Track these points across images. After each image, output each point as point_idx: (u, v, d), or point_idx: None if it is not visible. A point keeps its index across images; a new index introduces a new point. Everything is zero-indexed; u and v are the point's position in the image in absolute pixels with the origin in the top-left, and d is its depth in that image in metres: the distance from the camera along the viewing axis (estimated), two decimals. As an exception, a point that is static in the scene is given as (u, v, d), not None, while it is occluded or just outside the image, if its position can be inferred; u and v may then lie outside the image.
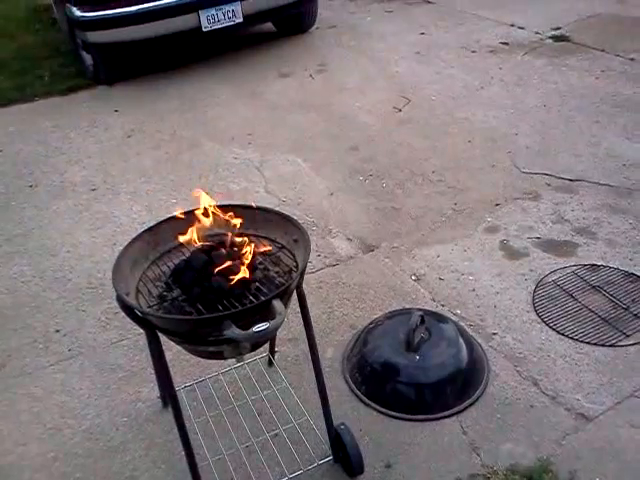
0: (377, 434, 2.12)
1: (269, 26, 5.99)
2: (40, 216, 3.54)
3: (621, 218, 3.06)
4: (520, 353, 2.38)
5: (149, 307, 1.73)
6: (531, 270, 2.79)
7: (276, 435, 2.11)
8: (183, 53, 5.60)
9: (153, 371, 2.22)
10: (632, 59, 4.72)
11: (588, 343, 2.38)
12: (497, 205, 3.26)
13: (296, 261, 1.84)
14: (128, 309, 1.70)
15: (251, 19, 5.16)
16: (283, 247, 1.91)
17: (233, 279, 1.71)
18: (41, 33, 6.69)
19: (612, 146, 3.67)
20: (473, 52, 5.18)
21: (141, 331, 1.79)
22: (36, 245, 3.29)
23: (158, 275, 1.86)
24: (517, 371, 2.30)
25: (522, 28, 5.55)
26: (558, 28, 5.42)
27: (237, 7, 4.93)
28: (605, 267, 2.75)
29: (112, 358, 2.54)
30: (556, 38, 5.25)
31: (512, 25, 5.63)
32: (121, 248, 1.85)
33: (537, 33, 5.40)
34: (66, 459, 2.16)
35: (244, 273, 1.73)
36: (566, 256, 2.85)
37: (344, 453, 1.96)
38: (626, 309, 2.52)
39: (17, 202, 3.70)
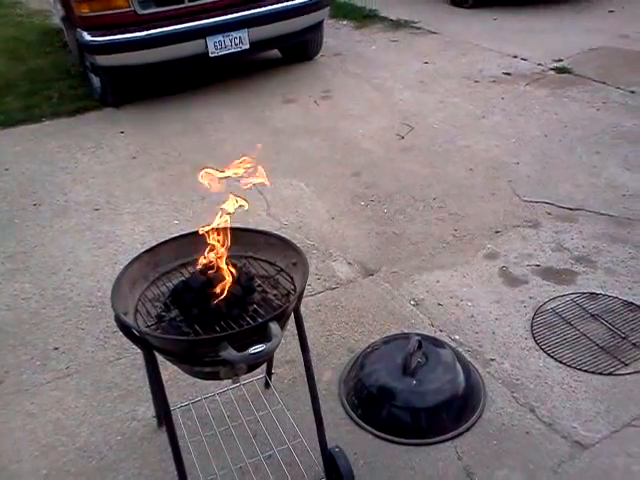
0: (372, 458, 2.11)
1: (275, 52, 6.09)
2: (43, 234, 3.57)
3: (620, 247, 3.07)
4: (517, 380, 2.37)
5: (147, 327, 1.75)
6: (530, 297, 2.79)
7: (270, 456, 2.09)
8: (190, 77, 5.69)
9: (149, 390, 2.22)
10: (633, 92, 4.78)
11: (586, 371, 2.37)
12: (497, 232, 3.28)
13: (294, 284, 1.85)
14: (126, 328, 1.71)
15: (257, 46, 5.24)
16: (282, 270, 1.93)
17: (225, 297, 1.73)
18: (51, 56, 6.80)
19: (612, 176, 3.69)
20: (476, 82, 5.26)
21: (139, 350, 1.80)
22: (38, 263, 3.31)
23: (157, 295, 1.87)
24: (514, 397, 2.29)
25: (525, 59, 5.64)
26: (560, 60, 5.50)
27: (244, 34, 5.02)
28: (604, 296, 2.75)
29: (109, 376, 2.54)
30: (558, 70, 5.33)
31: (515, 56, 5.72)
32: (122, 267, 1.87)
33: (539, 64, 5.48)
34: (58, 477, 2.14)
35: (237, 292, 1.75)
36: (565, 284, 2.86)
37: (338, 476, 1.94)
38: (624, 338, 2.51)
39: (20, 220, 3.73)
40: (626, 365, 2.39)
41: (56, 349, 2.70)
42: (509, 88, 5.07)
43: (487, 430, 2.18)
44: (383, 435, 2.18)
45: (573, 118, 4.46)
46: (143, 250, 1.96)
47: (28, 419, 2.38)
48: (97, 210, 3.78)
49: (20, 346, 2.74)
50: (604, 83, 4.97)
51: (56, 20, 7.14)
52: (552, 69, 5.36)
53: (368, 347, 2.52)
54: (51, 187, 4.08)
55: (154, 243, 2.00)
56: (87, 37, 4.80)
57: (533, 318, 2.66)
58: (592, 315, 2.64)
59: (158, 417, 2.25)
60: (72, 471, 2.15)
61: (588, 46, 5.76)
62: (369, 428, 2.21)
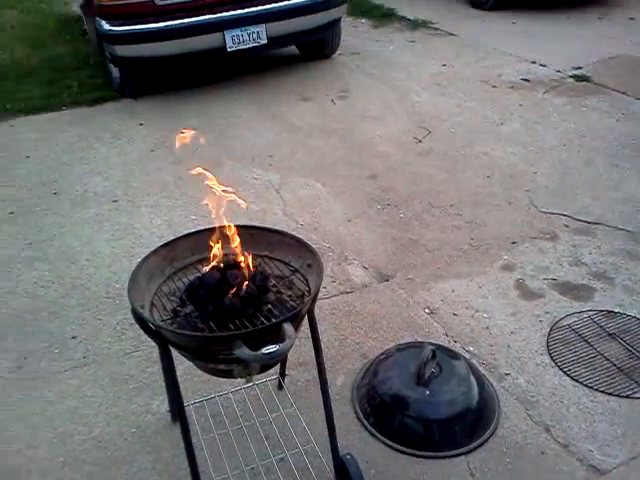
0: (383, 467, 2.12)
1: (293, 49, 6.08)
2: (62, 224, 3.60)
3: (639, 265, 3.05)
4: (532, 396, 2.36)
5: (162, 321, 1.76)
6: (546, 312, 2.79)
7: (282, 459, 2.11)
8: (207, 71, 5.69)
9: (164, 384, 2.24)
10: (654, 104, 4.76)
11: (602, 392, 2.35)
12: (514, 243, 3.27)
13: (309, 286, 1.86)
14: (142, 322, 1.73)
15: (275, 42, 5.24)
16: (297, 271, 1.93)
17: (240, 295, 1.75)
18: (71, 44, 6.82)
19: (631, 190, 3.68)
20: (494, 87, 5.24)
21: (154, 344, 1.82)
22: (57, 252, 3.34)
23: (173, 290, 1.89)
24: (528, 415, 2.29)
25: (544, 66, 5.61)
26: (579, 68, 5.47)
27: (262, 29, 5.01)
28: (622, 315, 2.73)
29: (125, 368, 2.57)
30: (577, 77, 5.30)
31: (534, 62, 5.69)
32: (139, 260, 1.89)
33: (558, 71, 5.45)
34: (74, 465, 2.17)
35: (252, 291, 1.76)
36: (582, 300, 2.84)
37: (349, 483, 1.96)
38: (642, 359, 2.50)
39: (40, 208, 3.76)
40: (644, 388, 2.36)
41: (74, 338, 2.73)
42: (527, 95, 5.05)
43: (501, 447, 2.17)
44: (395, 445, 2.18)
45: (592, 128, 4.44)
46: (160, 244, 1.97)
47: (46, 406, 2.41)
48: (115, 202, 3.80)
49: (39, 333, 2.77)
50: (624, 93, 4.94)
51: (76, 8, 7.14)
52: (571, 76, 5.33)
53: (382, 354, 2.53)
54: (70, 176, 4.10)
55: (171, 237, 2.02)
56: (106, 26, 4.82)
57: (549, 334, 2.65)
58: (609, 334, 2.62)
59: (172, 412, 2.27)
60: (87, 460, 2.18)
61: (608, 54, 5.73)
62: (381, 437, 2.22)
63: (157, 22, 4.74)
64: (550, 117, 4.66)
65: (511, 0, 7.18)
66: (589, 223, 3.41)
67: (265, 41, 5.08)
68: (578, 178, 3.85)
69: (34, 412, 2.37)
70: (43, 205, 3.79)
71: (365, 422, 2.28)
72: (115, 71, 5.29)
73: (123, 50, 4.87)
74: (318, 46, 5.91)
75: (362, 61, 5.95)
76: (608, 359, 2.50)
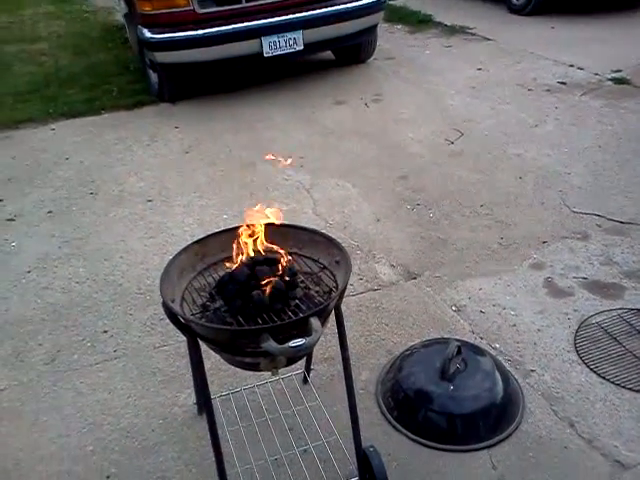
0: (405, 460, 2.12)
1: (328, 54, 6.14)
2: (98, 222, 3.71)
3: (673, 265, 2.99)
4: (558, 393, 2.33)
5: (192, 315, 1.80)
6: (575, 310, 2.75)
7: (305, 451, 2.13)
8: (243, 76, 5.80)
9: (191, 378, 2.30)
10: (694, 106, 4.63)
11: (630, 389, 2.31)
12: (544, 242, 3.23)
13: (336, 282, 1.88)
14: (172, 315, 1.76)
15: (311, 47, 5.31)
16: (325, 267, 1.95)
17: (269, 291, 1.78)
18: (113, 51, 7.05)
19: (667, 191, 3.60)
20: (530, 90, 5.18)
21: (183, 338, 1.87)
22: (92, 249, 3.45)
23: (203, 285, 1.93)
24: (553, 410, 2.26)
25: (581, 69, 5.52)
26: (619, 71, 5.37)
27: (299, 35, 5.09)
28: (653, 313, 2.68)
29: (154, 362, 2.63)
30: (616, 80, 5.20)
31: (571, 65, 5.61)
32: (171, 257, 1.93)
33: (596, 74, 5.36)
34: (103, 454, 2.23)
35: (280, 286, 1.79)
36: (612, 299, 2.80)
37: (371, 475, 1.96)
38: (672, 357, 2.45)
39: (78, 208, 3.89)
40: (672, 385, 2.32)
41: (105, 332, 2.81)
42: (564, 97, 4.98)
43: (524, 442, 2.16)
44: (418, 439, 2.18)
45: (629, 130, 4.35)
46: (192, 241, 2.02)
47: (77, 397, 2.48)
48: (150, 201, 3.90)
49: (72, 327, 2.86)
50: (665, 96, 4.83)
51: (119, 17, 7.38)
52: (610, 79, 5.23)
53: (407, 350, 2.53)
54: (107, 177, 4.23)
55: (203, 236, 2.06)
56: (147, 34, 4.95)
57: (577, 331, 2.61)
58: (639, 332, 2.57)
59: (199, 404, 2.32)
60: (116, 449, 2.24)
61: (649, 57, 5.62)
62: (404, 430, 2.22)
63: (196, 30, 4.87)
64: (586, 119, 4.58)
65: (550, 5, 7.10)
66: (622, 223, 3.34)
67: (301, 47, 5.15)
68: (613, 179, 3.78)
69: (66, 403, 2.45)
70: (80, 205, 3.92)
71: (388, 416, 2.29)
72: (154, 77, 5.44)
73: (163, 57, 5.01)
74: (354, 51, 5.95)
75: (397, 66, 5.97)
76: (637, 357, 2.45)
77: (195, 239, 2.04)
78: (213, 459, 1.83)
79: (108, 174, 4.27)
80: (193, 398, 2.36)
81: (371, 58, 6.09)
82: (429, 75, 5.66)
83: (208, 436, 1.82)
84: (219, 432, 1.83)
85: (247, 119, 5.00)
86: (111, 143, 4.74)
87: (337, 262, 1.93)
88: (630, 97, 4.87)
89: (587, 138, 4.30)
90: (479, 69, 5.74)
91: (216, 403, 2.26)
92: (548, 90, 5.15)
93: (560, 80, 5.32)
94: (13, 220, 3.78)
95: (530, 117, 4.69)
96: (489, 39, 6.54)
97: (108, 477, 2.13)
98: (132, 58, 6.46)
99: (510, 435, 2.17)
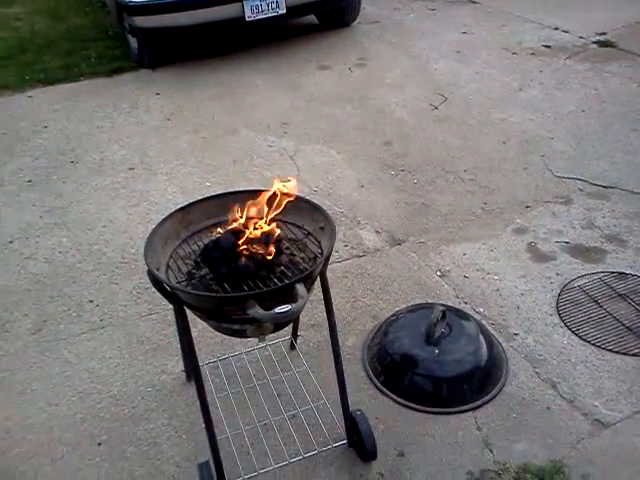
0: (392, 423, 2.16)
1: (312, 19, 6.02)
2: (79, 191, 3.66)
3: (653, 228, 3.03)
4: (540, 355, 2.38)
5: (178, 282, 1.80)
6: (557, 274, 2.79)
7: (294, 416, 2.16)
8: (225, 41, 5.68)
9: (179, 345, 2.29)
10: (678, 69, 4.64)
11: (610, 350, 2.37)
12: (527, 207, 3.26)
13: (321, 248, 1.88)
14: (158, 283, 1.76)
15: (294, 11, 5.20)
16: (310, 234, 1.96)
17: (253, 257, 1.78)
18: (90, 16, 6.85)
19: (650, 155, 3.62)
20: (514, 54, 5.15)
21: (169, 306, 1.87)
22: (74, 218, 3.41)
23: (188, 253, 1.92)
24: (536, 372, 2.31)
25: (566, 32, 5.49)
26: (604, 33, 5.34)
27: (281, -2, 4.98)
28: (633, 276, 2.73)
29: (141, 330, 2.63)
30: (601, 43, 5.18)
31: (556, 28, 5.57)
32: (155, 225, 1.92)
33: (581, 37, 5.34)
34: (93, 421, 2.25)
35: (268, 254, 1.79)
36: (594, 262, 2.84)
37: (359, 438, 2.00)
38: (652, 319, 2.50)
39: (58, 176, 3.83)
40: (652, 346, 2.37)
41: (91, 302, 2.81)
42: (548, 61, 4.96)
43: (508, 403, 2.21)
44: (404, 402, 2.23)
45: (613, 94, 4.35)
46: (176, 209, 2.00)
47: (65, 366, 2.49)
48: (132, 169, 3.85)
49: (57, 297, 2.85)
50: (649, 59, 4.83)
51: (95, -21, 7.15)
52: (595, 42, 5.21)
53: (392, 315, 2.56)
54: (88, 145, 4.16)
55: (186, 203, 2.04)
56: (126, -3, 4.82)
57: (559, 295, 2.66)
58: (620, 295, 2.62)
59: (187, 372, 2.34)
60: (106, 417, 2.26)
61: (635, 19, 5.57)
62: (391, 394, 2.26)
63: (176, -7, 4.74)
64: (570, 83, 4.57)
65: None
66: (605, 187, 3.37)
67: (284, 11, 5.05)
68: (596, 143, 3.80)
69: (54, 372, 2.46)
70: (61, 173, 3.86)
71: (375, 380, 2.32)
72: (133, 42, 5.31)
73: (142, 21, 4.89)
74: (337, 15, 5.84)
75: (381, 30, 5.89)
76: (617, 319, 2.51)
77: (179, 207, 2.02)
78: (203, 425, 1.86)
79: (88, 142, 4.20)
80: (181, 366, 2.38)
81: (355, 22, 5.99)
82: (414, 39, 5.59)
83: (197, 403, 1.84)
84: (208, 399, 1.85)
85: (229, 85, 4.92)
86: (91, 110, 4.65)
87: (322, 228, 1.93)
88: (615, 60, 4.86)
89: (571, 102, 4.30)
90: (464, 33, 5.67)
91: (204, 370, 2.27)
92: (533, 54, 5.11)
93: (545, 43, 5.29)
94: (-8, 190, 3.73)
95: (514, 81, 4.67)
96: (474, 2, 6.45)
97: (99, 444, 2.16)
98: (110, 23, 6.29)
99: (494, 397, 2.22)
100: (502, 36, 5.52)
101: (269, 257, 1.80)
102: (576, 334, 2.46)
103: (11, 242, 3.24)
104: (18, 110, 4.73)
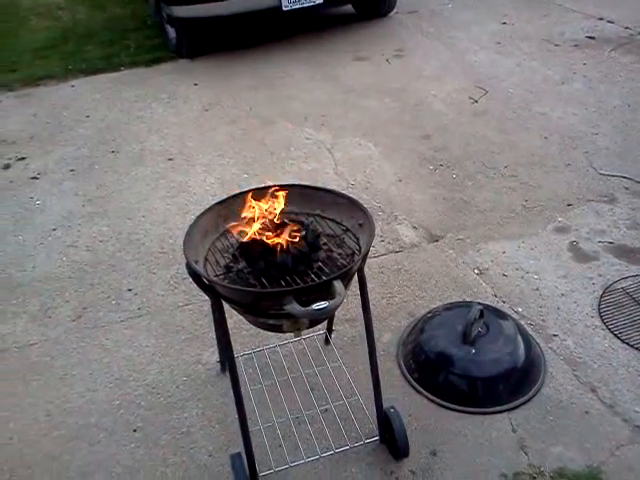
0: (425, 421, 2.15)
1: (348, 8, 5.98)
2: (120, 181, 3.72)
3: (701, 229, 2.93)
4: (580, 358, 2.33)
5: (215, 276, 1.81)
6: (600, 275, 2.72)
7: (326, 410, 2.17)
8: (262, 32, 5.68)
9: (214, 336, 2.33)
10: None
11: (653, 355, 2.31)
12: (569, 205, 3.18)
13: (359, 245, 1.87)
14: (196, 276, 1.77)
15: (331, 0, 5.17)
16: (348, 230, 1.95)
17: (292, 253, 1.78)
18: (130, 5, 6.93)
19: (699, 153, 3.50)
20: (556, 45, 5.02)
21: (206, 297, 1.88)
22: (115, 208, 3.47)
23: (226, 247, 1.93)
24: (575, 375, 2.26)
25: (611, 22, 5.33)
26: (651, 24, 5.18)
27: (318, -13, 4.95)
28: (679, 278, 2.65)
29: (177, 320, 2.67)
30: (648, 35, 5.02)
31: (601, 19, 5.41)
32: (193, 217, 1.94)
33: (627, 28, 5.18)
34: (130, 408, 2.30)
35: (303, 249, 1.79)
36: (638, 264, 2.76)
37: (391, 435, 1.99)
38: (697, 324, 2.42)
39: (100, 166, 3.90)
40: (696, 352, 2.30)
41: (129, 290, 2.85)
42: (592, 53, 4.83)
43: (545, 405, 2.17)
44: (438, 400, 2.21)
45: (661, 88, 4.22)
46: (215, 201, 2.01)
47: (104, 353, 2.54)
48: (171, 160, 3.89)
49: (98, 285, 2.91)
50: (700, 51, 4.66)
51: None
52: (641, 34, 5.06)
53: (429, 312, 2.54)
54: (128, 135, 4.22)
55: (224, 195, 2.06)
56: (165, -13, 4.86)
57: (601, 296, 2.59)
58: (664, 298, 2.55)
59: (222, 363, 2.36)
60: (142, 404, 2.30)
61: (685, 9, 5.40)
62: (425, 392, 2.24)
63: (214, -17, 4.75)
64: (615, 76, 4.44)
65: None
66: (651, 186, 3.28)
67: (321, 0, 5.02)
68: (642, 139, 3.69)
69: (93, 359, 2.51)
70: (102, 163, 3.93)
71: (409, 378, 2.31)
72: (172, 32, 5.36)
73: (180, 11, 4.92)
74: (374, 4, 5.79)
75: (419, 20, 5.81)
76: (662, 323, 2.44)
77: (216, 199, 2.04)
78: (236, 416, 1.87)
79: (128, 132, 4.26)
80: (216, 356, 2.41)
81: (393, 12, 5.93)
82: (452, 30, 5.51)
83: (231, 394, 1.85)
84: (242, 390, 1.86)
85: (267, 76, 4.92)
86: (131, 100, 4.71)
87: (360, 225, 1.91)
88: (662, 53, 4.71)
89: (616, 96, 4.18)
90: (504, 23, 5.56)
91: (239, 362, 2.30)
92: (576, 45, 4.98)
93: (589, 34, 5.15)
94: (37, 178, 3.81)
95: (556, 74, 4.56)
96: (516, -9, 6.32)
97: (135, 430, 2.20)
98: (149, 12, 6.35)
99: (531, 399, 2.18)
100: (544, 27, 5.39)
101: (307, 252, 1.80)
102: (618, 337, 2.40)
103: (54, 230, 3.31)
104: (61, 100, 4.83)
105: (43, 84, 5.11)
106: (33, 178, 3.81)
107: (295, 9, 4.98)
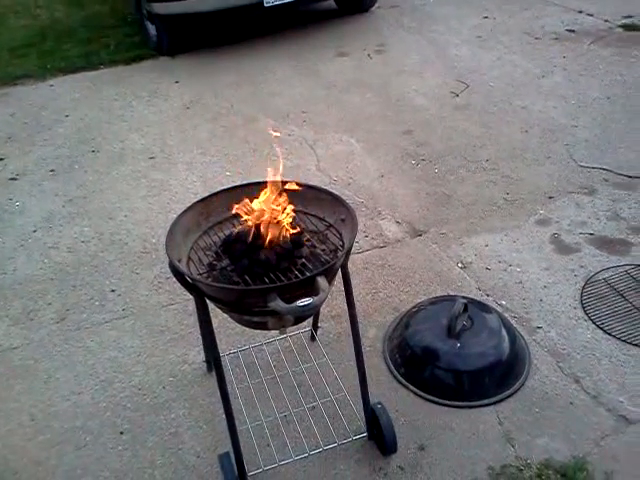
0: (413, 416, 2.15)
1: (330, 4, 5.96)
2: (100, 180, 3.69)
3: (680, 219, 2.97)
4: (564, 349, 2.35)
5: (199, 274, 1.80)
6: (581, 266, 2.75)
7: (313, 407, 2.17)
8: (243, 28, 5.65)
9: (200, 336, 2.31)
10: None
11: (636, 345, 2.32)
12: (550, 198, 3.21)
13: (342, 240, 1.87)
14: (179, 275, 1.76)
15: (313, -5, 5.17)
16: (331, 226, 1.95)
17: (275, 250, 1.77)
18: (109, 2, 6.86)
19: (677, 144, 3.54)
20: (537, 39, 5.05)
21: (190, 296, 1.87)
22: (96, 208, 3.43)
23: (209, 245, 1.92)
24: (559, 367, 2.28)
25: (591, 15, 5.37)
26: (630, 16, 5.22)
27: (299, -17, 4.94)
28: (660, 268, 2.68)
29: (162, 320, 2.65)
30: (627, 27, 5.06)
31: (580, 12, 5.46)
32: (175, 216, 1.93)
33: (606, 21, 5.22)
34: (116, 410, 2.28)
35: (286, 245, 1.79)
36: (619, 254, 2.79)
37: (379, 431, 2.00)
38: (678, 313, 2.45)
39: (80, 166, 3.86)
40: (678, 341, 2.33)
41: (113, 291, 2.83)
42: (572, 46, 4.86)
43: (530, 397, 2.19)
44: (425, 395, 2.22)
45: (639, 80, 4.25)
46: (197, 200, 2.00)
47: (88, 355, 2.52)
48: (152, 158, 3.86)
49: (80, 286, 2.88)
50: (678, 43, 4.71)
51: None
52: (620, 26, 5.10)
53: (414, 307, 2.55)
54: (108, 134, 4.18)
55: (206, 194, 2.04)
56: (144, -17, 4.81)
57: (583, 288, 2.62)
58: (646, 288, 2.58)
59: (208, 362, 2.35)
60: (128, 406, 2.28)
61: (663, 2, 5.45)
62: (411, 387, 2.25)
63: (194, -22, 4.72)
64: (595, 69, 4.48)
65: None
66: (630, 177, 3.31)
67: (302, -5, 5.01)
68: (621, 132, 3.72)
69: (77, 361, 2.48)
70: (82, 163, 3.88)
71: (396, 373, 2.31)
72: (152, 29, 5.31)
73: (161, 7, 4.88)
74: (356, 0, 5.77)
75: (401, 15, 5.82)
76: (643, 313, 2.46)
77: (198, 197, 2.03)
78: (223, 415, 1.86)
79: (109, 131, 4.22)
80: (202, 356, 2.39)
81: (374, 7, 5.94)
82: (434, 24, 5.52)
83: (218, 393, 1.84)
84: (228, 389, 1.85)
85: (248, 73, 4.89)
86: (111, 99, 4.66)
87: (343, 220, 1.91)
88: (640, 45, 4.75)
89: (595, 89, 4.21)
90: (485, 17, 5.58)
91: (225, 361, 2.28)
92: (556, 38, 5.02)
93: (568, 28, 5.18)
94: (16, 179, 3.76)
95: (537, 67, 4.59)
96: (496, -15, 6.34)
97: (122, 433, 2.18)
98: (129, 9, 6.28)
99: (516, 391, 2.20)
100: (524, 20, 5.42)
101: (290, 249, 1.79)
102: (601, 328, 2.42)
103: (35, 231, 3.27)
104: (40, 99, 4.77)
105: (21, 83, 5.04)
106: (12, 179, 3.76)
107: (277, 5, 4.96)
